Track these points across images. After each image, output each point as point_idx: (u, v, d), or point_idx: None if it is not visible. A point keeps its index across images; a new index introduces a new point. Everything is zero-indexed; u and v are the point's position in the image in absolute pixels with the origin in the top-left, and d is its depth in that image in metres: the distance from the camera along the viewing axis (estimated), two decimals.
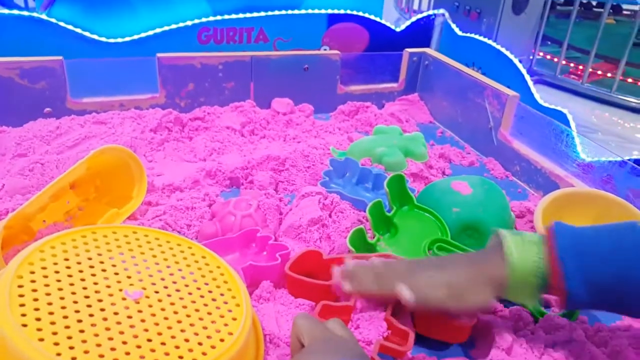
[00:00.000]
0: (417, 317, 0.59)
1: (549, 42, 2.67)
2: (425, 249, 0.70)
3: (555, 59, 2.42)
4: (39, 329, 0.42)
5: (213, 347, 0.47)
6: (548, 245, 0.53)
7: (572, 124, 1.04)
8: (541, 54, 2.50)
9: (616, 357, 0.56)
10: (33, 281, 0.47)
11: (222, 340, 0.48)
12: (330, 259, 0.66)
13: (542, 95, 1.42)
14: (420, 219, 0.76)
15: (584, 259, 0.51)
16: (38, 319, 0.43)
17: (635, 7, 2.60)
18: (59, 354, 0.41)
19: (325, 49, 1.45)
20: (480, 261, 0.56)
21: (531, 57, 2.38)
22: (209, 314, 0.51)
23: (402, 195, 0.78)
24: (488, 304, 0.54)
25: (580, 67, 2.29)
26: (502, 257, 0.53)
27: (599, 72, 2.30)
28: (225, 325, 0.50)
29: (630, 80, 2.14)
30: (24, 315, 0.43)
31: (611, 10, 2.44)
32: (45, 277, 0.48)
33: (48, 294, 0.46)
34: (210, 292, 0.54)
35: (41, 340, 0.42)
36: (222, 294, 0.54)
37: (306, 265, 0.65)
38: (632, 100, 2.17)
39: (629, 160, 0.83)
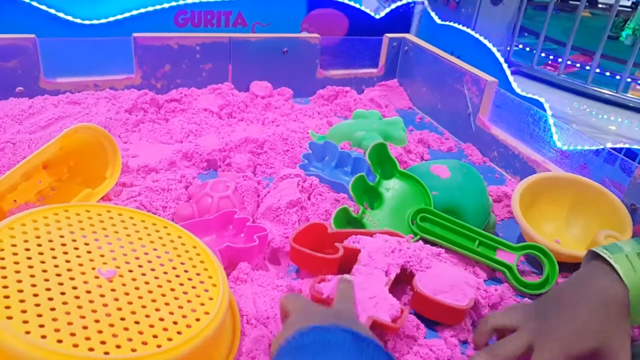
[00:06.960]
0: (414, 296, 0.59)
1: (526, 34, 2.70)
2: (409, 219, 0.70)
3: (532, 50, 2.44)
4: (8, 307, 0.41)
5: (188, 326, 0.46)
6: None
7: (549, 113, 1.05)
8: (519, 45, 2.52)
9: None
10: (2, 258, 0.45)
11: (197, 319, 0.48)
12: (335, 232, 0.66)
13: (519, 86, 1.43)
14: (404, 187, 0.76)
15: None
16: (7, 297, 0.42)
17: (611, 1, 2.64)
18: (28, 332, 0.40)
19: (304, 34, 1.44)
20: (597, 292, 0.50)
21: (508, 48, 2.40)
22: (185, 293, 0.50)
23: (385, 162, 0.78)
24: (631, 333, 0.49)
25: (552, 57, 2.31)
26: (613, 279, 0.49)
27: (576, 64, 2.32)
28: (202, 304, 0.49)
29: (605, 72, 2.18)
30: None
31: (587, 3, 2.46)
32: (15, 254, 0.46)
33: (18, 272, 0.45)
34: (186, 271, 0.53)
35: (9, 318, 0.40)
36: (198, 274, 0.53)
37: (311, 238, 0.65)
38: (606, 92, 2.20)
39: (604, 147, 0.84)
